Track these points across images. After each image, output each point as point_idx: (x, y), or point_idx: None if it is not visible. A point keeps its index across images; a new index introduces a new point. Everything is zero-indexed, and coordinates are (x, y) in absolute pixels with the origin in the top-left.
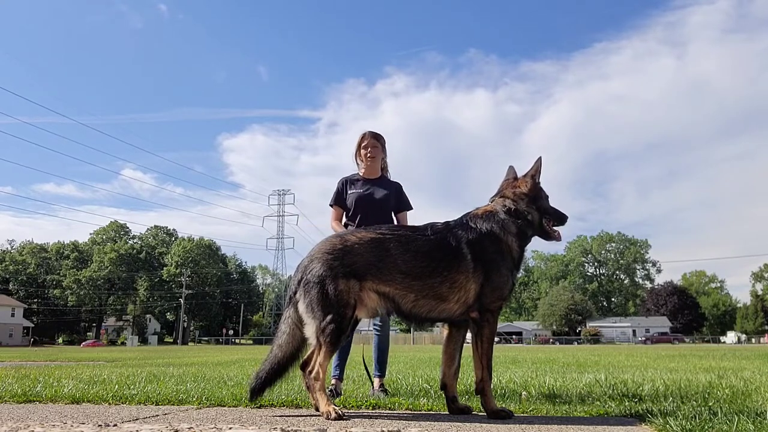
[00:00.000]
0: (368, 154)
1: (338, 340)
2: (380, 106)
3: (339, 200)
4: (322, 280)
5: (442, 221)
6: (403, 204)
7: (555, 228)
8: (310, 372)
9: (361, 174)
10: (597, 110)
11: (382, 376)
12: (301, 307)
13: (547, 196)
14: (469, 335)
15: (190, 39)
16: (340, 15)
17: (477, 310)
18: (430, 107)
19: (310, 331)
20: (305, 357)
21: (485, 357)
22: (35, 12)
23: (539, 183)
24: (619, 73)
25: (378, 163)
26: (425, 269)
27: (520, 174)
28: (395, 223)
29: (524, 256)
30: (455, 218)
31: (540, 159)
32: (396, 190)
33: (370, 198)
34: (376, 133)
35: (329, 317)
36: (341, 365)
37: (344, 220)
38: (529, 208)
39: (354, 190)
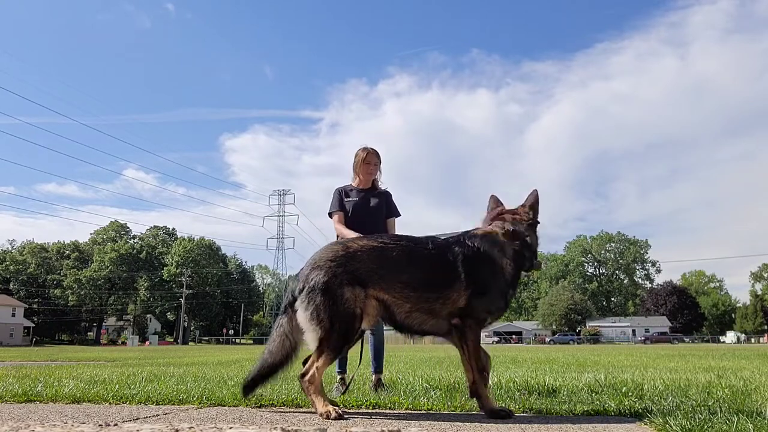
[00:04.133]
0: (370, 171)
1: (341, 349)
2: (382, 107)
3: (341, 206)
4: (326, 289)
5: (444, 236)
6: (392, 211)
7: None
8: (304, 375)
9: (354, 185)
10: (599, 110)
11: (380, 372)
12: (304, 315)
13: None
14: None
15: (197, 38)
16: (343, 15)
17: (458, 316)
18: (432, 107)
19: (312, 338)
20: (304, 368)
21: (473, 359)
22: (38, 12)
23: (537, 216)
24: (620, 73)
25: (373, 177)
26: (423, 281)
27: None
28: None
29: (520, 277)
30: (456, 234)
31: (536, 192)
32: (386, 198)
33: (366, 206)
34: (377, 152)
35: (335, 326)
36: (342, 359)
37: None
38: (528, 232)
39: (350, 199)
